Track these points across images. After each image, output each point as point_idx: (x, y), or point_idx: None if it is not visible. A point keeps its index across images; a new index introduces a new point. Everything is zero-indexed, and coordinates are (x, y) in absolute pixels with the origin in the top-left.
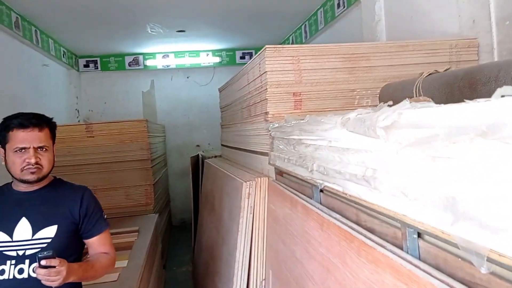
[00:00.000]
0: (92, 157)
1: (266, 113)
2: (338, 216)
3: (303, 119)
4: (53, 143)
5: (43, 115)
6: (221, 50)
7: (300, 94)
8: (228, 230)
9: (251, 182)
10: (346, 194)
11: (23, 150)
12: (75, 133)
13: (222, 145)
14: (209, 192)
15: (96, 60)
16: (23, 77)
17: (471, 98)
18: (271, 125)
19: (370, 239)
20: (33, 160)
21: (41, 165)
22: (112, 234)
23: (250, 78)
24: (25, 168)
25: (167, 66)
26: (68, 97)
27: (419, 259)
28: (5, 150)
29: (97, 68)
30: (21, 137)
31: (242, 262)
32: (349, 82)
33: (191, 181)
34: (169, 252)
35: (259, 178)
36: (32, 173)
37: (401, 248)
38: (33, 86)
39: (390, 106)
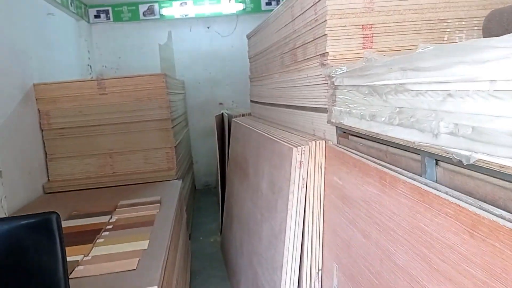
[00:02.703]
0: (106, 117)
1: (324, 54)
2: (504, 213)
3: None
4: None
5: None
6: None
7: (371, 27)
8: (270, 205)
9: (303, 147)
10: None
11: None
12: (85, 90)
13: (251, 101)
14: (239, 156)
15: (108, 9)
16: (25, 26)
17: None
18: (333, 70)
19: None
20: None
21: None
22: (130, 205)
23: (297, 12)
24: None
25: (185, 15)
26: (78, 51)
27: None
28: None
29: (109, 19)
30: None
31: (293, 250)
32: (437, 10)
33: (216, 142)
34: (193, 219)
35: (313, 142)
36: None
37: None
38: (37, 38)
39: None
